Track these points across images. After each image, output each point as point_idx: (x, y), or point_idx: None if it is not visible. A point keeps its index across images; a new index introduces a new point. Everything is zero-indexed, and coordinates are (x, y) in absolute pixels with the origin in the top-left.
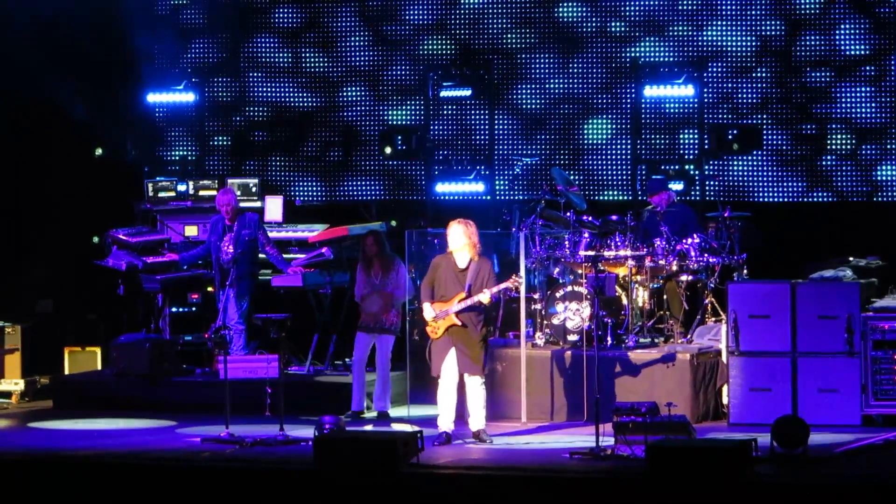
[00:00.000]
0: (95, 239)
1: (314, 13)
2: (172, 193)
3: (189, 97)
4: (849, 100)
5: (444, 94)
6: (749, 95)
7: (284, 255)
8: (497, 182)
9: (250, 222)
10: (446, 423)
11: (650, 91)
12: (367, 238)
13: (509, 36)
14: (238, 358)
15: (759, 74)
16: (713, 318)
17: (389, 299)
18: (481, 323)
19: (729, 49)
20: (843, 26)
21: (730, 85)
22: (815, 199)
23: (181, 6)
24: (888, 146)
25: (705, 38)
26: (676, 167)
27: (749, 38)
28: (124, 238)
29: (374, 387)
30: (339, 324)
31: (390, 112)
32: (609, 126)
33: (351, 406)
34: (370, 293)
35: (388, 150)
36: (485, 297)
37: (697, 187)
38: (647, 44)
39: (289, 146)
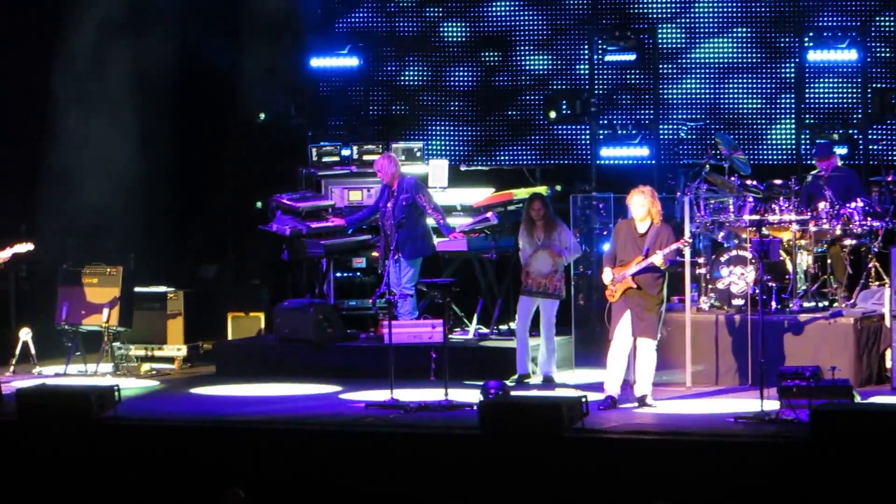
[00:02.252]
0: (259, 204)
1: None
2: (336, 158)
3: (353, 61)
4: None
5: (608, 58)
6: None
7: (450, 220)
8: (662, 146)
9: (408, 186)
10: (613, 387)
11: (814, 55)
12: (534, 202)
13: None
14: (403, 323)
15: None
16: (877, 283)
17: (558, 258)
18: (658, 287)
19: (893, 10)
20: None
21: (894, 48)
22: None
23: None
24: None
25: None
26: (840, 131)
27: None
28: (288, 203)
29: (538, 351)
30: (504, 288)
31: (555, 76)
32: (773, 90)
33: (516, 370)
34: (537, 251)
35: (552, 114)
36: (657, 258)
37: (861, 151)
38: (811, 8)
39: (454, 110)
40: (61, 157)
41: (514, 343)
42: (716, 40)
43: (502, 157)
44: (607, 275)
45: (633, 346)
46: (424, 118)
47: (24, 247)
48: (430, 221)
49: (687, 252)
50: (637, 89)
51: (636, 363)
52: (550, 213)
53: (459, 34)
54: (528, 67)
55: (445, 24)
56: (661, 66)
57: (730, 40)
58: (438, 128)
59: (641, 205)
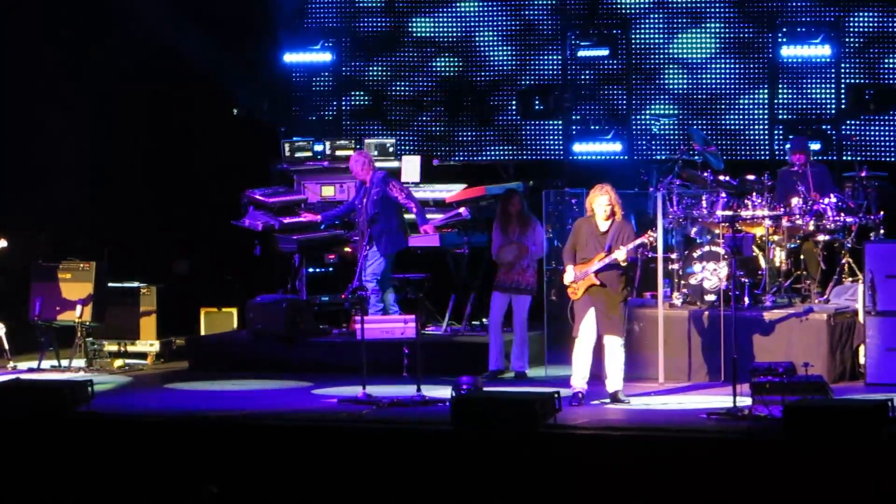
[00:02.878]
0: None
1: None
2: (309, 154)
3: (326, 57)
4: None
5: (581, 53)
6: (887, 55)
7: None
8: (634, 142)
9: (377, 180)
10: (579, 382)
11: (787, 51)
12: (513, 197)
13: None
14: (375, 318)
15: None
16: (850, 279)
17: (525, 251)
18: (622, 284)
19: (866, 7)
20: None
21: (866, 43)
22: None
23: None
24: None
25: None
26: (814, 127)
27: None
28: (261, 198)
29: (511, 347)
30: (477, 284)
31: (527, 71)
32: (746, 86)
33: (488, 366)
34: (506, 244)
35: (525, 109)
36: (621, 254)
37: (834, 147)
38: (785, 2)
39: (426, 106)
40: (34, 152)
41: (487, 338)
42: (689, 35)
43: (474, 153)
44: (569, 274)
45: (599, 343)
46: (396, 114)
47: None
48: (409, 217)
49: (660, 247)
50: (610, 84)
51: (605, 361)
52: (526, 209)
53: (430, 30)
54: (500, 63)
55: (416, 20)
56: (633, 61)
57: (703, 35)
58: (411, 123)
59: (607, 204)
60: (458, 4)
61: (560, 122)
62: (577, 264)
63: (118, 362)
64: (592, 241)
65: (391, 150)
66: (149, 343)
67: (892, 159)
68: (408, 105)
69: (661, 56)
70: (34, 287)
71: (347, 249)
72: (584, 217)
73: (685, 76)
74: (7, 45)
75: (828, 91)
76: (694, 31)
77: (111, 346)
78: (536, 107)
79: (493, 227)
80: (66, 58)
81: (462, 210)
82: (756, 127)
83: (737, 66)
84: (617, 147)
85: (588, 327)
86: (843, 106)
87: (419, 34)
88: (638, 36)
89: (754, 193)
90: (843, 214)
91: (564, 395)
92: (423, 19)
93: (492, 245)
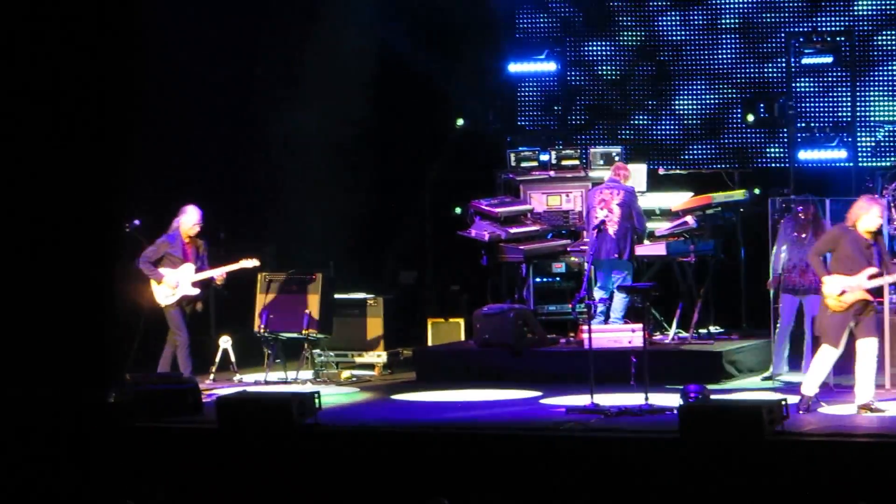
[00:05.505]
0: (458, 210)
1: None
2: (535, 163)
3: (551, 66)
4: None
5: (805, 61)
6: None
7: (648, 224)
8: (860, 148)
9: (629, 194)
10: (813, 390)
11: None
12: (810, 206)
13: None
14: (603, 328)
15: None
16: None
17: None
18: None
19: None
20: None
21: None
22: None
23: None
24: None
25: None
26: None
27: None
28: (486, 208)
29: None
30: (704, 292)
31: (752, 79)
32: None
33: (772, 369)
34: (795, 245)
35: (750, 117)
36: None
37: None
38: None
39: (652, 114)
40: (262, 165)
41: (713, 347)
42: None
43: (700, 161)
44: (836, 283)
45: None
46: (623, 122)
47: (250, 262)
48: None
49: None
50: (834, 91)
51: (861, 366)
52: (820, 215)
53: (653, 38)
54: (724, 71)
55: (641, 30)
56: (858, 67)
57: None
58: (636, 131)
59: (878, 215)
60: (679, 11)
61: (785, 130)
62: (834, 273)
63: (345, 374)
64: (859, 254)
65: (617, 159)
66: (376, 354)
67: None
68: (633, 113)
69: (886, 62)
70: (260, 299)
71: (574, 259)
72: (841, 226)
73: None
74: (236, 63)
75: None
76: None
77: (338, 358)
78: (761, 114)
79: (780, 229)
80: (290, 70)
81: (688, 218)
82: None
83: None
84: (842, 154)
85: (843, 340)
86: None
87: (643, 40)
88: (862, 43)
89: None
90: None
91: (791, 401)
92: (645, 27)
93: (776, 248)
